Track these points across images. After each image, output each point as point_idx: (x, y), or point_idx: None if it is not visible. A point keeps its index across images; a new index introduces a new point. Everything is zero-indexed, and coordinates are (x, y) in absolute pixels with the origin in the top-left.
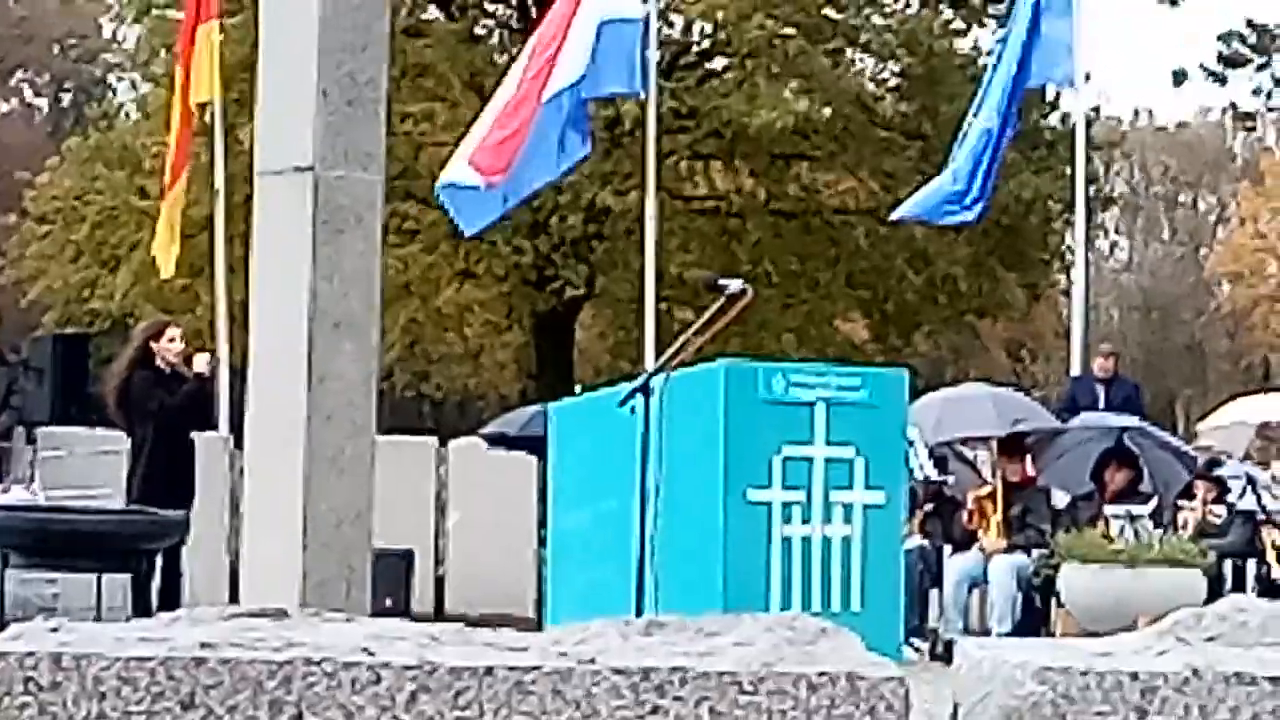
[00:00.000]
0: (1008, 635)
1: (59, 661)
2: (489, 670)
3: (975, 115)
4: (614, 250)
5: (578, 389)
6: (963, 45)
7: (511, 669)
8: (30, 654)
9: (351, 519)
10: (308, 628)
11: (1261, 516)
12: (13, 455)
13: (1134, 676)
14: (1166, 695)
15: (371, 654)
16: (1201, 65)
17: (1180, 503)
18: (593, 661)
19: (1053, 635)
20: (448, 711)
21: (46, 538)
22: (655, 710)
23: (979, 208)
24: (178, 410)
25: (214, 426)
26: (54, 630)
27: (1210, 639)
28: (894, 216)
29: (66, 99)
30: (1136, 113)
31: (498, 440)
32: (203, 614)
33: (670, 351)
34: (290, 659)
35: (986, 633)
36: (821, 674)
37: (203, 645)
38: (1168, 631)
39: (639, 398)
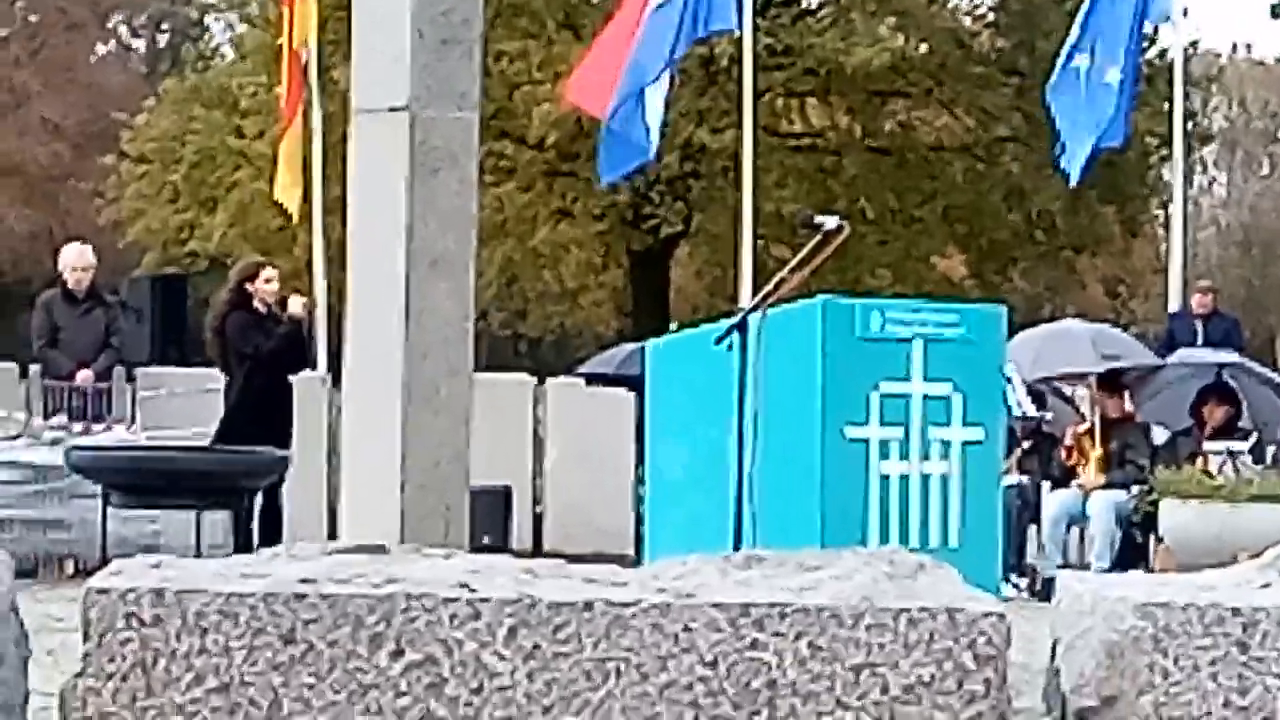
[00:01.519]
0: (1107, 572)
1: (161, 596)
2: (588, 605)
3: (1083, 52)
4: (710, 188)
5: (673, 327)
6: None
7: (610, 604)
8: (132, 590)
9: (449, 458)
10: (407, 563)
11: None
12: (113, 395)
13: (1235, 611)
14: (1268, 629)
15: (471, 589)
16: None
17: None
18: (691, 596)
19: (1152, 571)
20: (547, 645)
21: (147, 476)
22: (754, 645)
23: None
24: (273, 352)
25: (311, 367)
26: (155, 566)
27: None
28: (1075, 181)
29: (163, 40)
30: (1235, 47)
31: (595, 379)
32: (303, 550)
33: (767, 289)
34: (390, 594)
35: (1085, 569)
36: (921, 609)
37: (303, 581)
38: (1269, 565)
39: (736, 335)
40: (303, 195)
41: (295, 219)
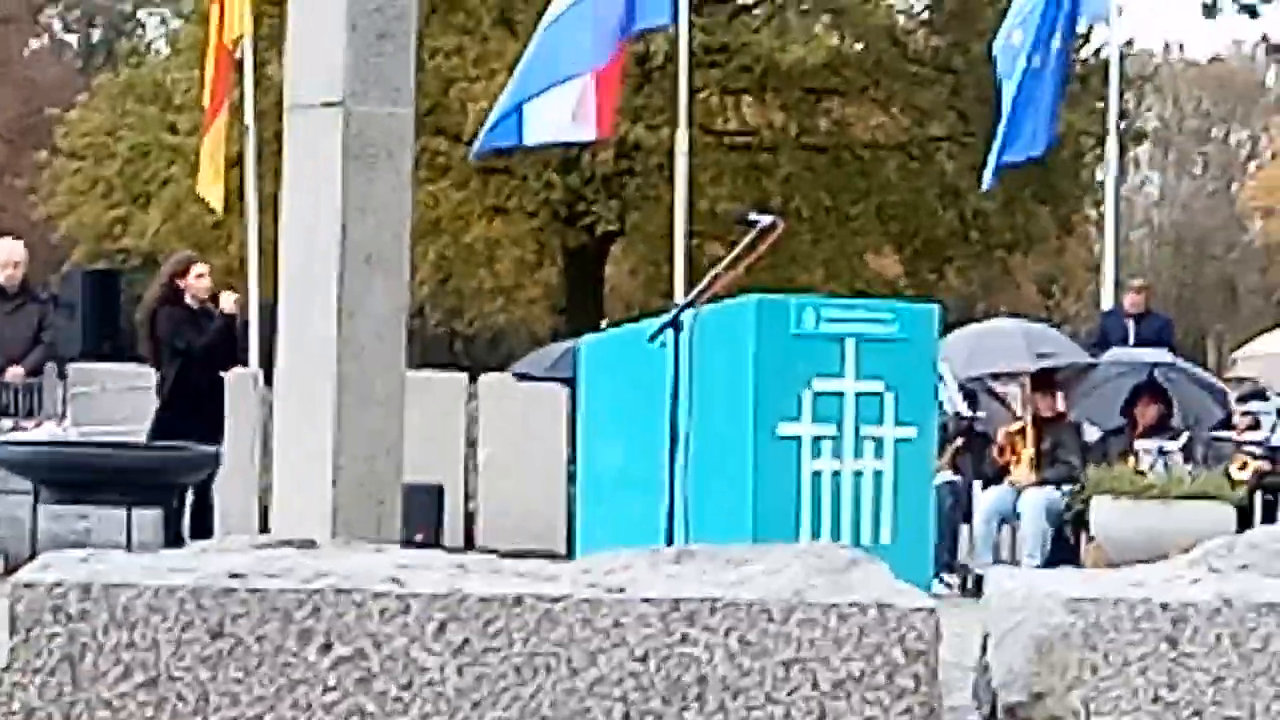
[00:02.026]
0: (1038, 569)
1: (88, 591)
2: (518, 600)
3: (1016, 49)
4: (645, 186)
5: (604, 324)
6: None
7: (540, 598)
8: (59, 584)
9: (382, 454)
10: (336, 558)
11: None
12: (44, 391)
13: (1164, 606)
14: (1198, 625)
15: (400, 583)
16: None
17: (1219, 434)
18: (622, 591)
19: (1083, 569)
20: (476, 640)
21: (77, 472)
22: (684, 639)
23: (1048, 141)
24: (205, 348)
25: (243, 363)
26: (83, 560)
27: (1242, 568)
28: (985, 187)
29: (97, 35)
30: (1168, 46)
31: (526, 379)
32: (232, 544)
33: (700, 286)
34: (319, 588)
35: (1017, 567)
36: (852, 604)
37: (232, 575)
38: (1199, 561)
39: (669, 332)
40: (238, 191)
41: (219, 213)
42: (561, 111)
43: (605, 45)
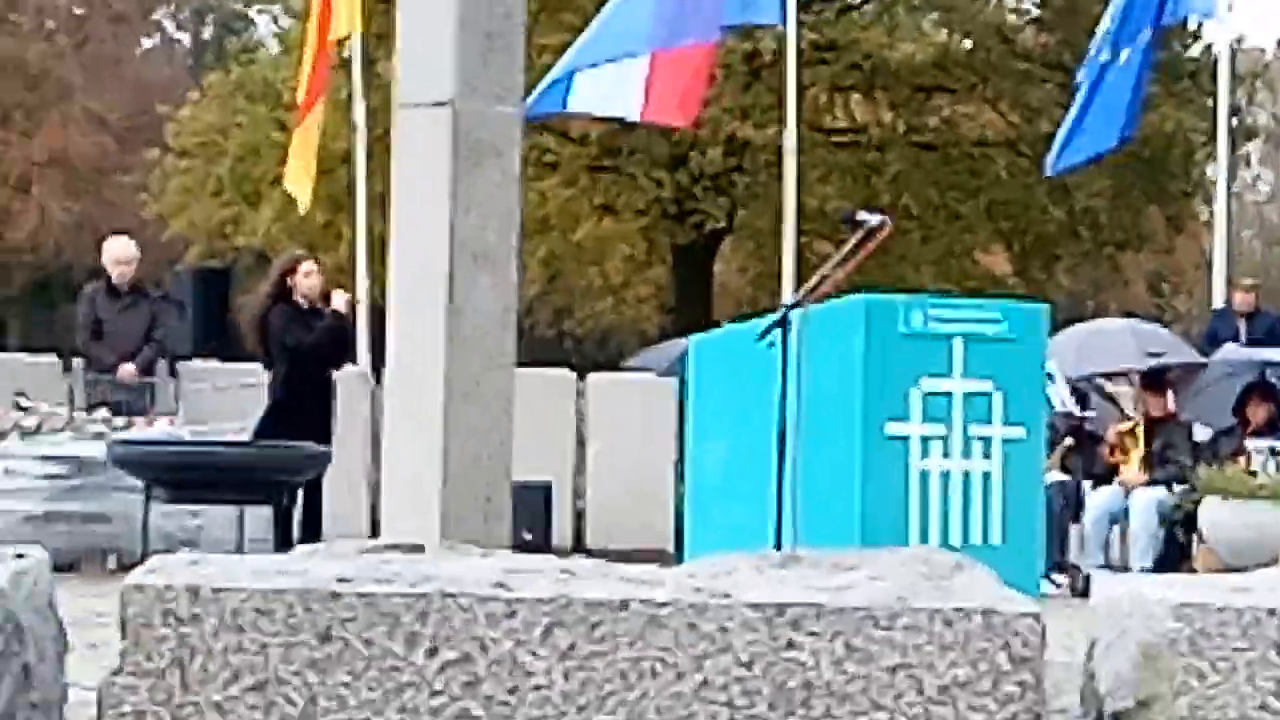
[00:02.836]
0: (1148, 570)
1: (196, 594)
2: (624, 604)
3: (1107, 46)
4: (754, 184)
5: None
6: None
7: (646, 603)
8: (168, 587)
9: (490, 452)
10: (443, 562)
11: None
12: (156, 389)
13: (1272, 612)
14: None
15: (507, 588)
16: None
17: None
18: (727, 596)
19: (1194, 570)
20: (583, 645)
21: (188, 471)
22: (790, 645)
23: (1121, 135)
24: (315, 347)
25: (353, 362)
26: (192, 563)
27: None
28: (1050, 172)
29: (207, 33)
30: None
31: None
32: (340, 548)
33: (808, 285)
34: (426, 593)
35: (1127, 567)
36: (957, 609)
37: (339, 579)
38: None
39: (777, 331)
40: (346, 189)
41: (302, 209)
42: (610, 86)
43: (674, 30)
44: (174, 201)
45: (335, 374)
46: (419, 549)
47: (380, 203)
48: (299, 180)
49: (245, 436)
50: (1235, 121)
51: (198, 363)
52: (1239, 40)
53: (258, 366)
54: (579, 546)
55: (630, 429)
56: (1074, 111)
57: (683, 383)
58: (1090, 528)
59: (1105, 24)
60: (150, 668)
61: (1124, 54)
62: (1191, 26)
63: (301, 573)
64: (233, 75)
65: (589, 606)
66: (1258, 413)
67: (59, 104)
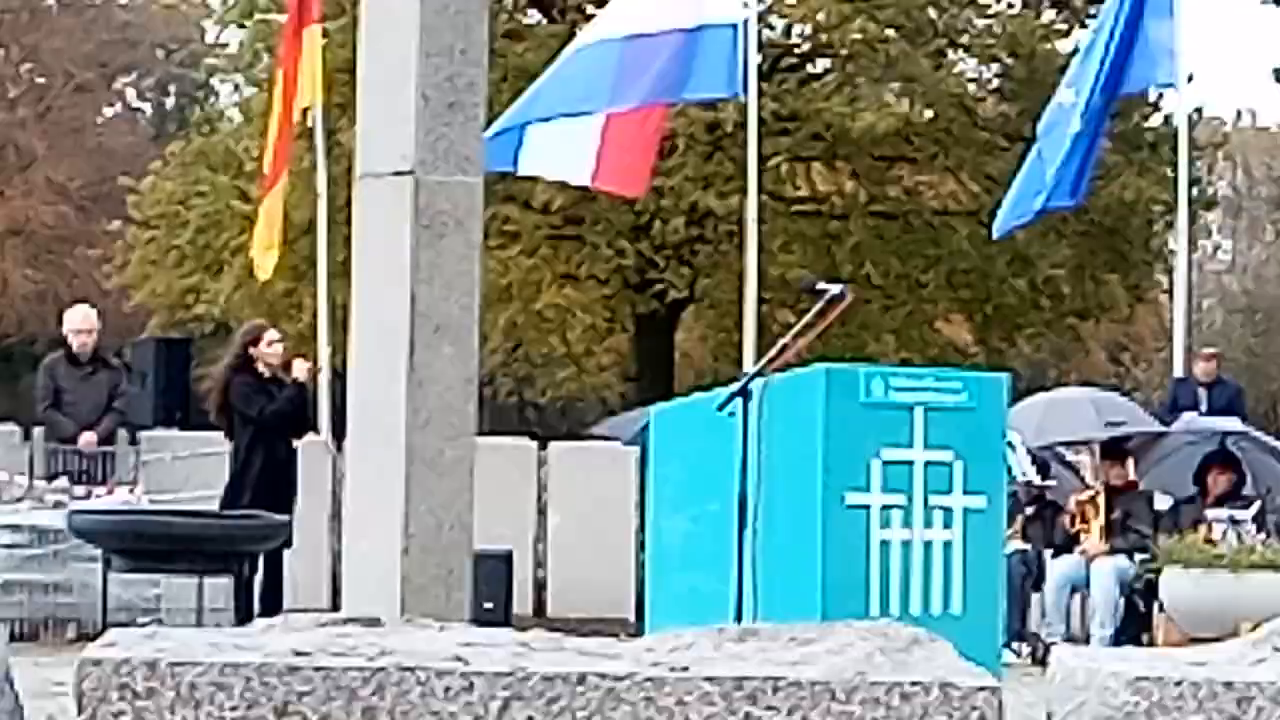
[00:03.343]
0: (1109, 639)
1: (154, 668)
2: (581, 678)
3: (1063, 111)
4: (716, 253)
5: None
6: (1064, 47)
7: (603, 676)
8: (125, 661)
9: (452, 522)
10: (401, 635)
11: None
12: (116, 459)
13: (1228, 685)
14: (1262, 705)
15: (464, 661)
16: None
17: None
18: (685, 670)
19: (1155, 640)
20: (540, 719)
21: (148, 540)
22: (748, 718)
23: (1075, 197)
24: (276, 416)
25: (314, 431)
26: (149, 636)
27: None
28: (997, 235)
29: (169, 103)
30: (1239, 113)
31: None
32: (297, 621)
33: (769, 355)
34: (383, 666)
35: (1088, 637)
36: (915, 683)
37: (297, 653)
38: (1264, 640)
39: (738, 401)
40: (309, 259)
41: (262, 280)
42: (561, 147)
43: (632, 92)
44: (136, 271)
45: (297, 443)
46: (376, 622)
47: (342, 272)
48: (265, 250)
49: (206, 506)
50: (1195, 191)
51: (158, 432)
52: (1198, 110)
53: (218, 436)
54: (540, 616)
55: (592, 498)
56: (1024, 172)
57: (644, 451)
58: (1051, 597)
59: (1062, 92)
60: None
61: (1075, 119)
62: (1151, 97)
63: (258, 646)
64: (194, 144)
65: (546, 680)
66: (1218, 482)
67: (21, 173)
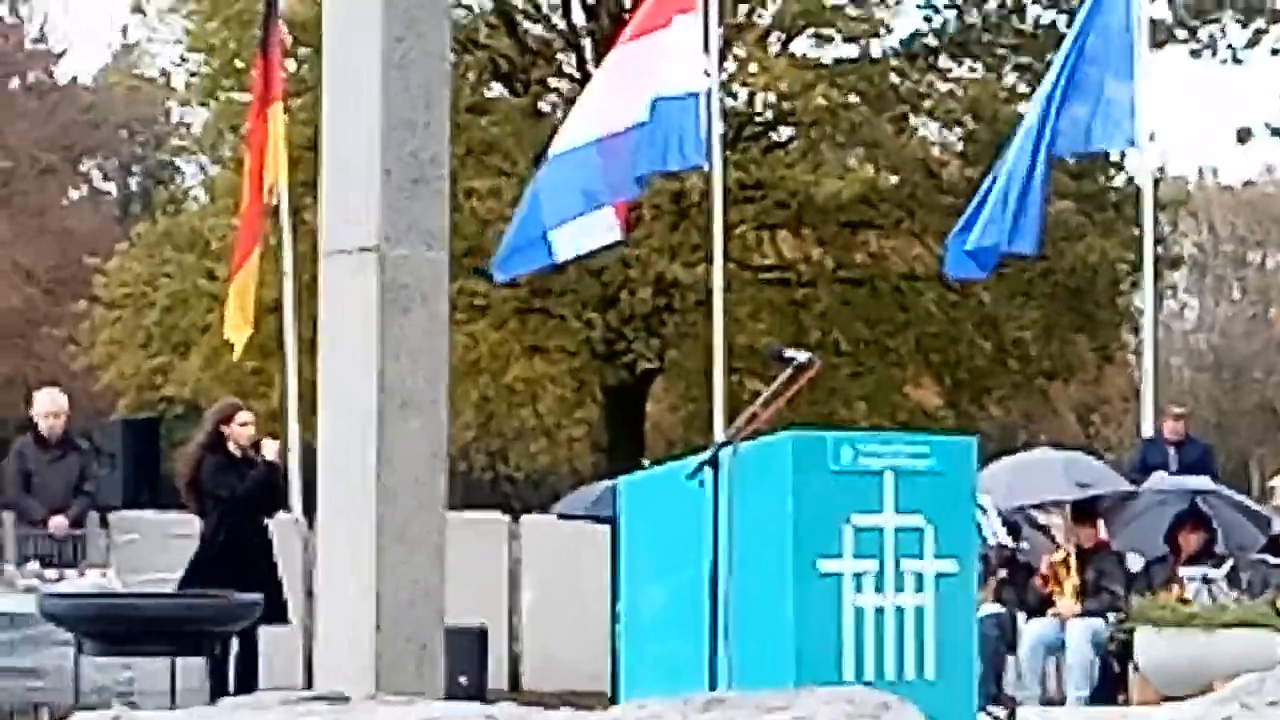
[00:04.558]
0: (1085, 701)
1: None
2: None
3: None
4: (684, 322)
5: (645, 463)
6: (1027, 109)
7: None
8: None
9: (423, 597)
10: (366, 711)
11: None
12: (87, 541)
13: None
14: None
15: None
16: (1266, 123)
17: (1264, 558)
18: None
19: (1130, 700)
20: None
21: (119, 623)
22: None
23: (1034, 246)
24: (247, 496)
25: (285, 508)
26: (115, 718)
27: (1272, 704)
28: (951, 272)
29: (134, 184)
30: (1202, 172)
31: (570, 519)
32: (263, 699)
33: (737, 423)
34: None
35: (1064, 699)
36: None
37: None
38: (1230, 698)
39: (707, 470)
40: (277, 337)
41: (235, 357)
42: (589, 229)
43: (628, 180)
44: (103, 353)
45: (269, 522)
46: (343, 699)
47: (310, 348)
48: (237, 328)
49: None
50: (1160, 250)
51: (129, 513)
52: (1161, 170)
53: (190, 516)
54: (516, 690)
55: (565, 570)
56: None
57: (613, 523)
58: (1026, 659)
59: (1017, 143)
60: None
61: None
62: (1114, 157)
63: None
64: (160, 225)
65: None
66: (1190, 541)
67: None
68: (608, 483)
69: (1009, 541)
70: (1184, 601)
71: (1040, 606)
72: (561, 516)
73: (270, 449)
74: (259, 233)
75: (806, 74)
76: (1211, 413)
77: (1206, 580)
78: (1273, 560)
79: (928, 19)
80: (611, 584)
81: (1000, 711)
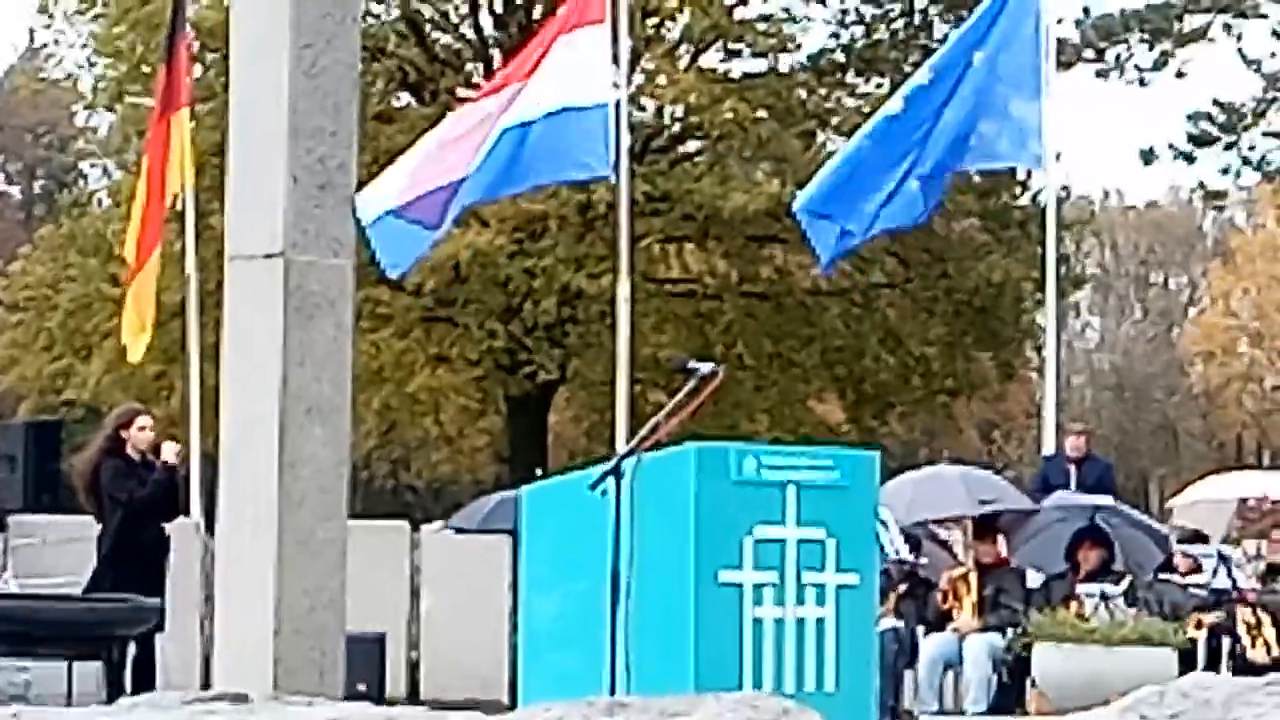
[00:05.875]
0: (982, 715)
1: None
2: None
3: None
4: (588, 333)
5: (538, 475)
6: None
7: None
8: None
9: (324, 603)
10: (269, 711)
11: (1234, 595)
12: None
13: None
14: None
15: None
16: (1170, 144)
17: (1162, 576)
18: None
19: (1027, 715)
20: None
21: (17, 625)
22: None
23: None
24: (146, 500)
25: (185, 513)
26: (13, 716)
27: (1173, 716)
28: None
29: (39, 187)
30: (1106, 192)
31: (463, 533)
32: (163, 699)
33: (641, 434)
34: None
35: (961, 713)
36: None
37: None
38: (1130, 709)
39: (610, 480)
40: (179, 342)
41: (133, 360)
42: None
43: (510, 178)
44: (4, 355)
45: (167, 526)
46: (244, 699)
47: (213, 354)
48: (135, 333)
49: (76, 590)
50: (1064, 269)
51: (28, 517)
52: (1066, 189)
53: (89, 520)
54: (414, 698)
55: (465, 579)
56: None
57: (512, 533)
58: (924, 674)
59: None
60: None
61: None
62: (1020, 176)
63: None
64: (64, 229)
65: None
66: (1089, 557)
67: None
68: (499, 495)
69: (909, 556)
70: (1082, 618)
71: (940, 621)
72: (456, 531)
73: (170, 452)
74: (158, 238)
75: (715, 87)
76: (1113, 431)
77: (1104, 597)
78: (1169, 578)
79: (835, 35)
80: (512, 592)
81: None
